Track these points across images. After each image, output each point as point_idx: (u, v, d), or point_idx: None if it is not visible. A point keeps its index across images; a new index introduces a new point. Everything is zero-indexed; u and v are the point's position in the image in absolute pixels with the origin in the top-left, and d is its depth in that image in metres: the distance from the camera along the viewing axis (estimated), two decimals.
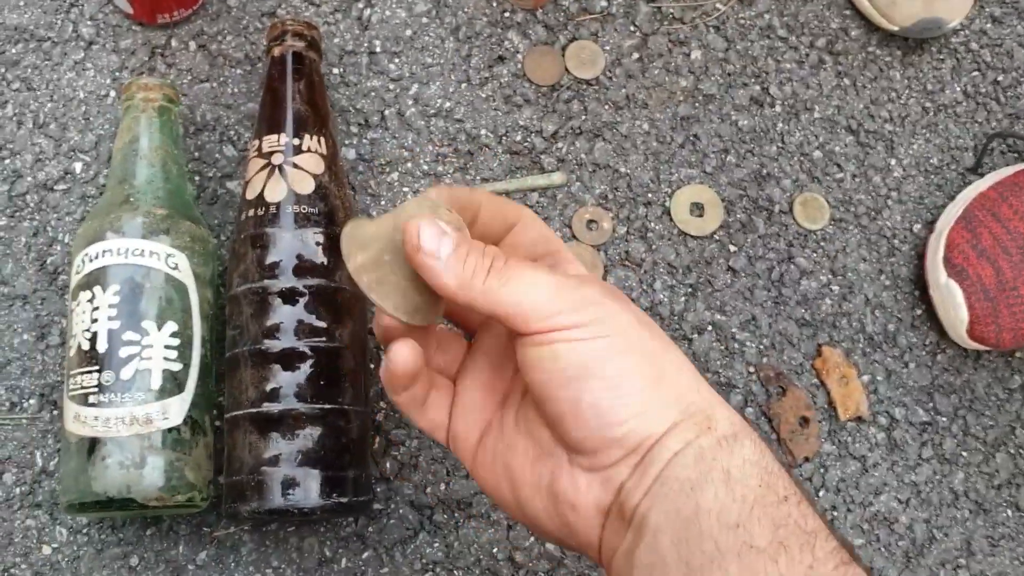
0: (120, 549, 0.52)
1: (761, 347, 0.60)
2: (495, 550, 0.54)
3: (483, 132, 0.60)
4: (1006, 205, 0.60)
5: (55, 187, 0.56)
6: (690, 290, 0.60)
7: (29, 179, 0.56)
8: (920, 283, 0.63)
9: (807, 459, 0.58)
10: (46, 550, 0.51)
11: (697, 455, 0.33)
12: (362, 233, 0.36)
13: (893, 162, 0.65)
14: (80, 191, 0.56)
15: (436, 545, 0.54)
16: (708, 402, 0.34)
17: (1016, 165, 0.63)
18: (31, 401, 0.53)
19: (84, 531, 0.52)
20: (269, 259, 0.49)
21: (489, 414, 0.39)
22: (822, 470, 0.59)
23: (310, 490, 0.47)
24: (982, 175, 0.64)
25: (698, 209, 0.61)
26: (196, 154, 0.58)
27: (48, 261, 0.55)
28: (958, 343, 0.61)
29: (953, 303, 0.59)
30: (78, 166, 0.57)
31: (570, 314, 0.34)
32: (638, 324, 0.35)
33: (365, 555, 0.53)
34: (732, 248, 0.61)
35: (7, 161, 0.56)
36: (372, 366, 0.56)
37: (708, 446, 0.33)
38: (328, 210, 0.51)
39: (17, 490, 0.52)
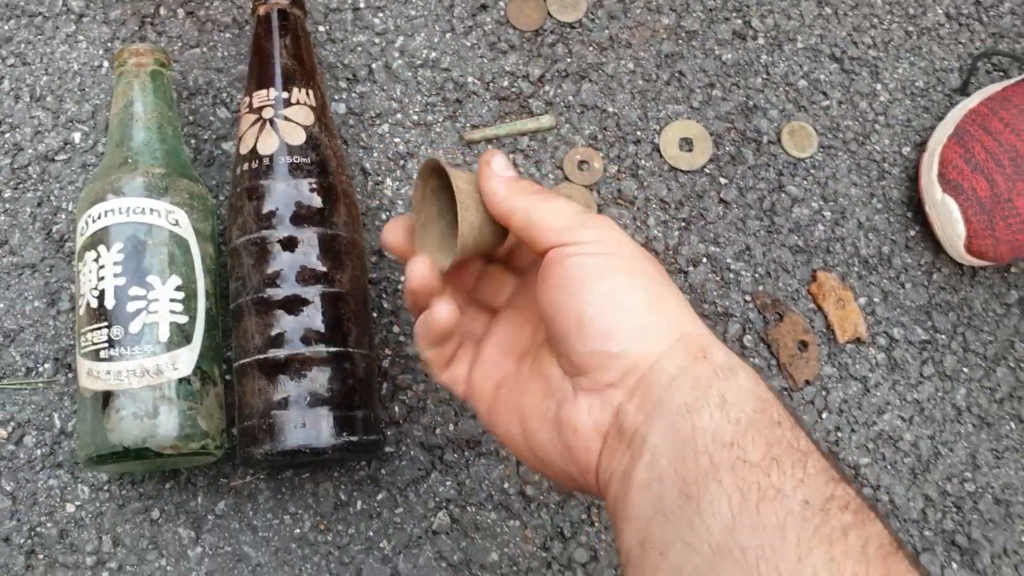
0: (141, 503, 0.53)
1: (756, 276, 0.61)
2: (506, 485, 0.55)
3: (470, 80, 0.61)
4: (996, 119, 0.60)
5: (56, 158, 0.58)
6: (683, 224, 0.61)
7: (30, 151, 0.57)
8: (912, 204, 0.63)
9: (808, 382, 0.59)
10: (70, 508, 0.53)
11: (694, 381, 0.34)
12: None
13: (879, 87, 0.65)
14: (81, 160, 0.58)
15: (448, 484, 0.55)
16: (703, 334, 0.37)
17: (1003, 81, 0.63)
18: (46, 365, 0.55)
19: (105, 488, 0.53)
20: (266, 209, 0.50)
21: (505, 369, 0.42)
22: (824, 392, 0.59)
23: (321, 430, 0.48)
24: (969, 95, 0.65)
25: (687, 144, 0.62)
26: (191, 118, 0.59)
27: (54, 230, 0.57)
28: (957, 260, 0.62)
29: (950, 219, 0.59)
30: (77, 136, 0.58)
31: (580, 230, 0.37)
32: (641, 252, 0.38)
33: (379, 496, 0.55)
34: (723, 181, 0.62)
35: (7, 135, 0.58)
36: (375, 314, 0.57)
37: (704, 374, 0.35)
38: (320, 160, 0.52)
39: (38, 452, 0.54)
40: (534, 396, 0.39)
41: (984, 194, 0.58)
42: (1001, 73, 0.66)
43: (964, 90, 0.65)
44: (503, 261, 0.45)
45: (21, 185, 0.57)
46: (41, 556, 0.52)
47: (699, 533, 0.32)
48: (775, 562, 0.30)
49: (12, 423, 0.54)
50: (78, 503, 0.53)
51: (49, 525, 0.53)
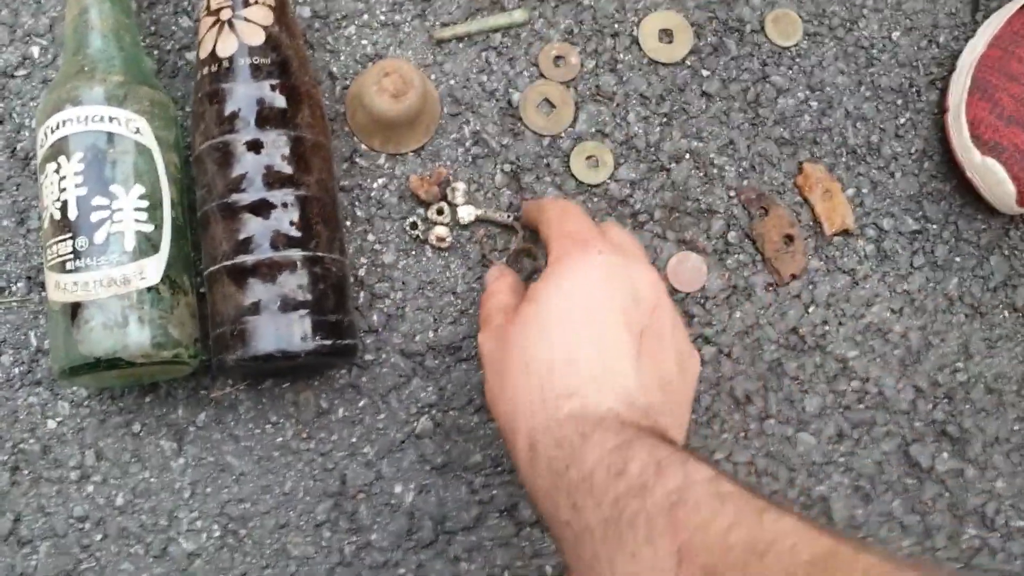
0: (122, 417, 0.53)
1: (741, 170, 0.59)
2: None
3: None
4: (1014, 60, 0.57)
5: (15, 73, 0.56)
6: (665, 119, 0.59)
7: None
8: (902, 92, 0.61)
9: (794, 276, 0.58)
10: (51, 424, 0.53)
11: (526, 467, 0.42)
12: None
13: None
14: (41, 75, 0.56)
15: (429, 389, 0.55)
16: (529, 412, 0.42)
17: (1002, 13, 0.60)
18: (19, 284, 0.54)
19: (85, 403, 0.53)
20: (228, 111, 0.49)
21: None
22: (811, 286, 0.58)
23: (293, 334, 0.48)
24: (979, 22, 0.62)
25: (667, 36, 0.60)
26: (152, 28, 0.57)
27: (18, 147, 0.55)
28: (1006, 213, 0.59)
29: (996, 180, 0.56)
30: (35, 50, 0.57)
31: None
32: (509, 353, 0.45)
33: (361, 403, 0.54)
34: (705, 72, 0.60)
35: None
36: (349, 223, 0.56)
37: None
38: (282, 60, 0.50)
39: (16, 370, 0.53)
40: None
41: None
42: None
43: (974, 16, 0.62)
44: None
45: None
46: (26, 472, 0.52)
47: None
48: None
49: None
50: (59, 419, 0.53)
51: (32, 441, 0.53)
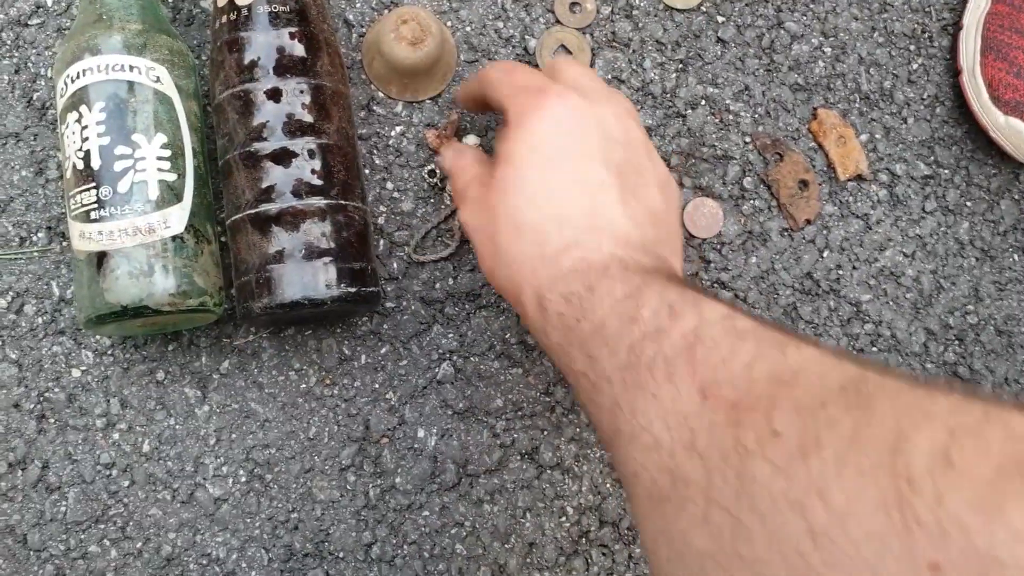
0: (146, 366, 0.54)
1: (756, 116, 0.59)
2: (507, 335, 0.55)
3: None
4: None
5: (29, 22, 0.56)
6: (680, 65, 0.59)
7: (1, 16, 0.56)
8: (915, 38, 0.61)
9: (808, 221, 0.59)
10: (75, 373, 0.53)
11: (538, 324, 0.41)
12: None
13: None
14: (55, 24, 0.56)
15: (450, 336, 0.55)
16: (531, 272, 0.41)
17: None
18: (39, 235, 0.54)
19: (109, 352, 0.54)
20: (247, 60, 0.49)
21: None
22: (825, 231, 0.59)
23: (319, 281, 0.48)
24: None
25: None
26: None
27: (35, 97, 0.55)
28: None
29: (1022, 138, 0.57)
30: None
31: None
32: (497, 204, 0.44)
33: (383, 350, 0.55)
34: (720, 19, 0.60)
35: None
36: (367, 171, 0.56)
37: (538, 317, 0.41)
38: (299, 8, 0.50)
39: (39, 320, 0.54)
40: None
41: None
42: None
43: None
44: None
45: None
46: (52, 420, 0.53)
47: None
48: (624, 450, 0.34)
49: (11, 293, 0.54)
50: (83, 368, 0.53)
51: (57, 390, 0.53)
